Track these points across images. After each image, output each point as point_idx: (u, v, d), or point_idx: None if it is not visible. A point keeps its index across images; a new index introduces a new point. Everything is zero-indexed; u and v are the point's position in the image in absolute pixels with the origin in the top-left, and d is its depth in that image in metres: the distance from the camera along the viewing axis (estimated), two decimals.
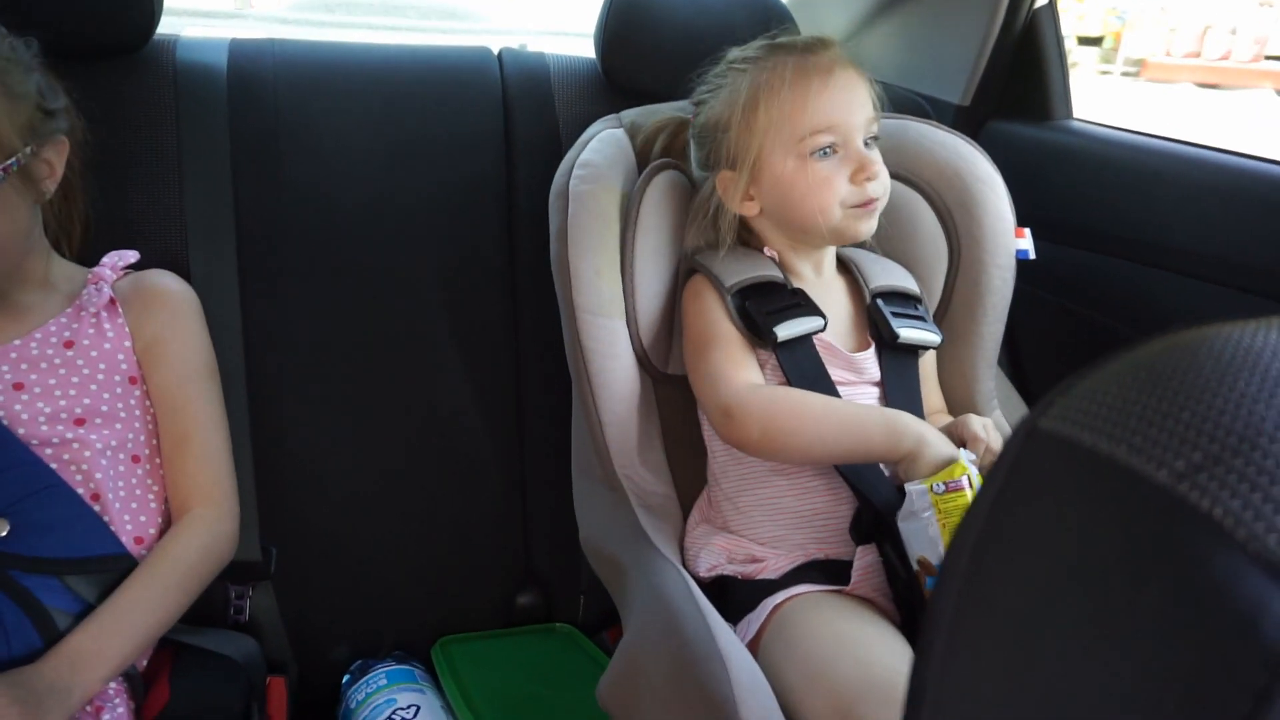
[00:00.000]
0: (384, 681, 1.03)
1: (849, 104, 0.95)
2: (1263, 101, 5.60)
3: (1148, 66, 7.07)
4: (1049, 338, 1.24)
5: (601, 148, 1.06)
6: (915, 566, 0.84)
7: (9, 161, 0.84)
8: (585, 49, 1.35)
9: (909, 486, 0.84)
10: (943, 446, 0.87)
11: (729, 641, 0.72)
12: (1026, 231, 1.09)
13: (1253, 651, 0.24)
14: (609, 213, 1.01)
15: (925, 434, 0.88)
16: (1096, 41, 7.31)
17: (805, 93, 0.94)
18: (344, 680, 1.09)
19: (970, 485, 0.83)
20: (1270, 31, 5.89)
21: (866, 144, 0.97)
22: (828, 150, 0.95)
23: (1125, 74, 7.18)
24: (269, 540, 1.05)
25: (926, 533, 0.82)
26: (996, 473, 0.35)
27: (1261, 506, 0.27)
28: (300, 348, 1.15)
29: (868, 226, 0.98)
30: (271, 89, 1.18)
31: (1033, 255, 1.09)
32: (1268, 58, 5.98)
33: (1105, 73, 7.14)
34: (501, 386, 1.22)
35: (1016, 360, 1.19)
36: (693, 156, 1.06)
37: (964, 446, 0.88)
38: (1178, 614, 0.26)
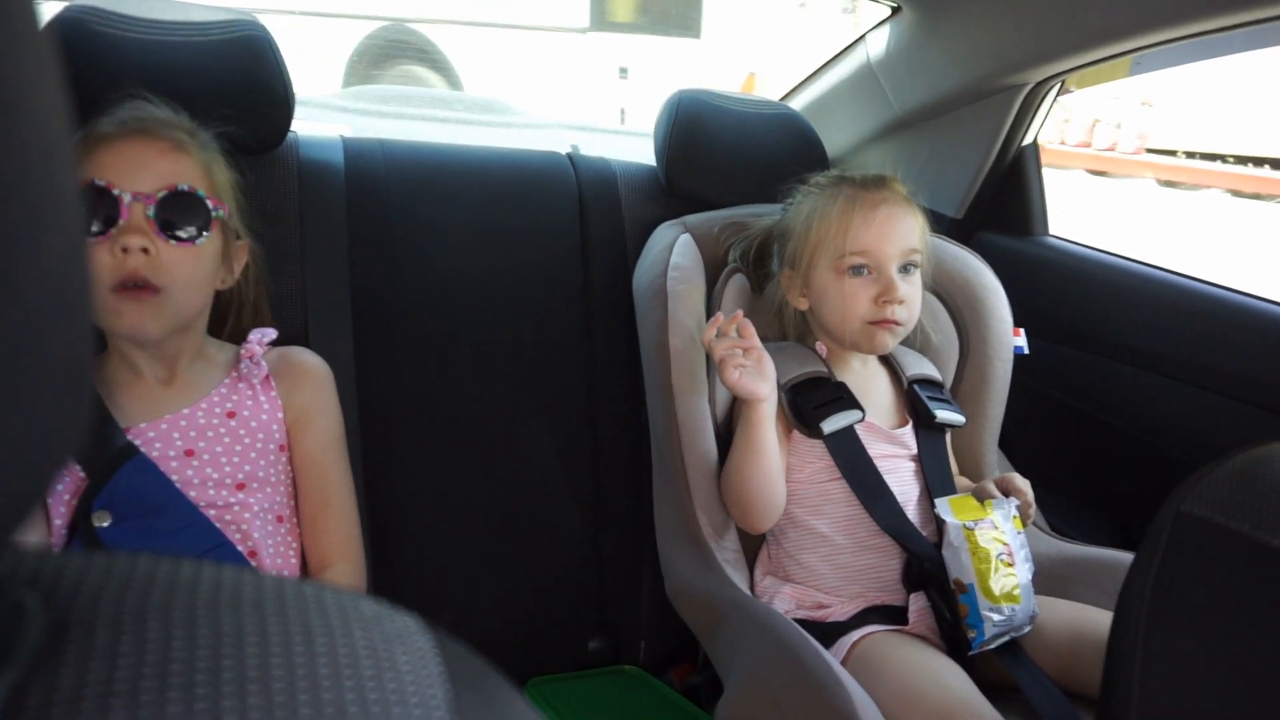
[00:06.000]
0: None
1: (885, 235, 1.13)
2: (1145, 190, 6.27)
3: (1045, 152, 7.74)
4: (1031, 418, 1.48)
5: (685, 252, 1.25)
6: (952, 585, 1.05)
7: (218, 211, 0.97)
8: (612, 142, 1.54)
9: (948, 522, 1.06)
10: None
11: (840, 669, 0.90)
12: (1022, 330, 1.33)
13: None
14: (698, 308, 1.21)
15: (751, 399, 1.08)
16: None
17: (848, 220, 1.14)
18: None
19: (996, 525, 1.06)
20: (1149, 128, 6.58)
21: (907, 269, 1.15)
22: (860, 269, 1.14)
23: None
24: (373, 591, 1.17)
25: (960, 559, 1.04)
26: (1153, 546, 0.55)
27: None
28: (406, 419, 1.28)
29: (882, 342, 1.16)
30: (384, 184, 1.32)
31: (1027, 350, 1.32)
32: (1148, 150, 6.68)
33: None
34: (580, 457, 1.37)
35: (1006, 436, 1.41)
36: (775, 252, 1.26)
37: (1008, 495, 1.11)
38: None
